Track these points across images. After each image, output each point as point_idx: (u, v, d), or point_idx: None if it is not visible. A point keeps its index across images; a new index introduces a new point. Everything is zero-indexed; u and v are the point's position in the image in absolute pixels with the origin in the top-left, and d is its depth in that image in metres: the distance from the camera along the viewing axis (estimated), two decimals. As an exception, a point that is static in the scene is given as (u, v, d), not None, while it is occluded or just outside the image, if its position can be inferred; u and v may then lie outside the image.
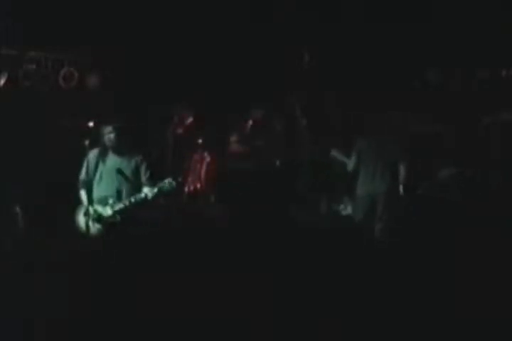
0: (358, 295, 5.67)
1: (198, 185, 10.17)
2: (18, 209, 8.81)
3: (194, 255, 6.70)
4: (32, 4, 9.06)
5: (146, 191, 7.36)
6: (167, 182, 7.42)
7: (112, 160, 7.44)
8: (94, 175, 7.42)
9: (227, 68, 10.22)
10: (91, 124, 8.00)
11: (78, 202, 7.52)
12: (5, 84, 9.52)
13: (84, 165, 7.51)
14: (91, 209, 7.31)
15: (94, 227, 7.30)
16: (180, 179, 10.14)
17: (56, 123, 9.73)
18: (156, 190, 7.36)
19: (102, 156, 7.43)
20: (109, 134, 7.38)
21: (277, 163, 10.08)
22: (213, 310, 5.44)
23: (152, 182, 7.41)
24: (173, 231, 7.93)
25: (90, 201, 7.35)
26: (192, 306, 5.49)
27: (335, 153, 8.97)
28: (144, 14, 9.81)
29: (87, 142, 7.38)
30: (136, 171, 7.48)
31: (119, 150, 7.43)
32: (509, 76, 10.51)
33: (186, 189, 10.13)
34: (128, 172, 7.44)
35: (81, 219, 7.37)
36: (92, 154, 7.49)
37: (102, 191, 7.38)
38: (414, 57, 10.43)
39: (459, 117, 10.42)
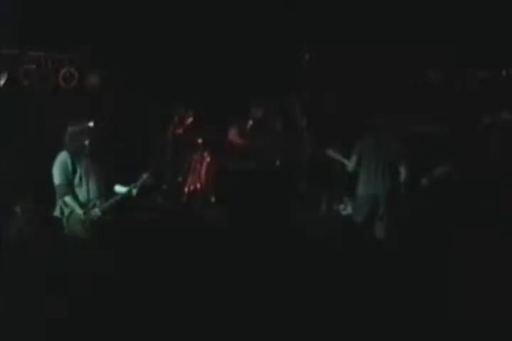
0: (358, 296, 5.67)
1: (198, 185, 10.17)
2: (18, 209, 8.81)
3: (193, 255, 6.69)
4: (32, 4, 9.05)
5: (128, 188, 7.37)
6: (145, 176, 7.41)
7: (89, 161, 7.22)
8: (74, 179, 7.26)
9: (227, 68, 10.22)
10: (91, 124, 7.97)
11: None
12: (5, 84, 9.50)
13: (60, 169, 7.23)
14: (82, 213, 7.25)
15: (91, 230, 7.25)
16: (180, 179, 10.24)
17: (56, 123, 9.71)
18: (137, 186, 7.36)
19: (77, 159, 7.22)
20: (84, 136, 7.18)
21: (277, 162, 10.07)
22: (213, 311, 5.43)
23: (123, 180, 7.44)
24: (173, 231, 7.92)
25: (80, 205, 7.29)
26: (191, 307, 5.48)
27: (330, 152, 8.97)
28: (144, 14, 9.81)
29: (86, 142, 7.32)
30: (111, 171, 7.46)
31: (96, 151, 7.26)
32: (509, 76, 10.51)
33: (186, 189, 10.13)
34: (105, 172, 7.42)
35: (76, 225, 7.30)
36: (64, 157, 7.25)
37: (87, 194, 7.19)
38: (414, 57, 10.44)
39: (458, 117, 10.42)
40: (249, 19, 10.08)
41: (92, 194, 7.28)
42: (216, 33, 10.15)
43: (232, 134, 10.21)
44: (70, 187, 7.26)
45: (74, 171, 7.27)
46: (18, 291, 5.61)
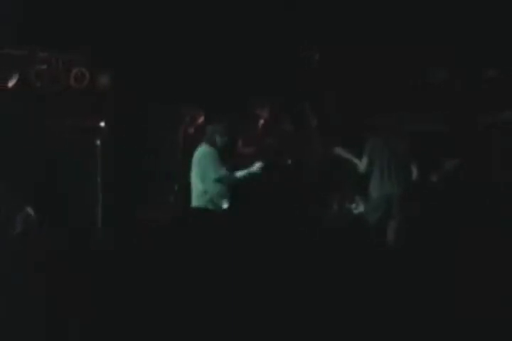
0: (368, 296, 5.67)
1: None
2: (17, 209, 8.83)
3: (196, 255, 6.69)
4: (43, 4, 9.08)
5: None
6: None
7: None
8: None
9: (236, 68, 10.21)
10: (102, 124, 7.98)
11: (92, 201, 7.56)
12: (16, 84, 9.45)
13: (217, 163, 8.04)
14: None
15: None
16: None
17: (66, 123, 9.73)
18: None
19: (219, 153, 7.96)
20: (225, 133, 7.94)
21: (288, 162, 10.06)
22: (217, 311, 5.45)
23: None
24: (176, 231, 7.96)
25: None
26: (195, 307, 5.50)
27: (339, 151, 8.98)
28: (153, 14, 9.82)
29: (98, 142, 7.34)
30: None
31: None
32: (510, 76, 10.53)
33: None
34: None
35: None
36: (215, 152, 7.97)
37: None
38: (414, 57, 10.50)
39: (458, 117, 10.46)
40: (254, 20, 10.12)
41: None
42: (218, 33, 10.19)
43: (241, 142, 10.18)
44: None
45: None
46: (16, 291, 5.63)
